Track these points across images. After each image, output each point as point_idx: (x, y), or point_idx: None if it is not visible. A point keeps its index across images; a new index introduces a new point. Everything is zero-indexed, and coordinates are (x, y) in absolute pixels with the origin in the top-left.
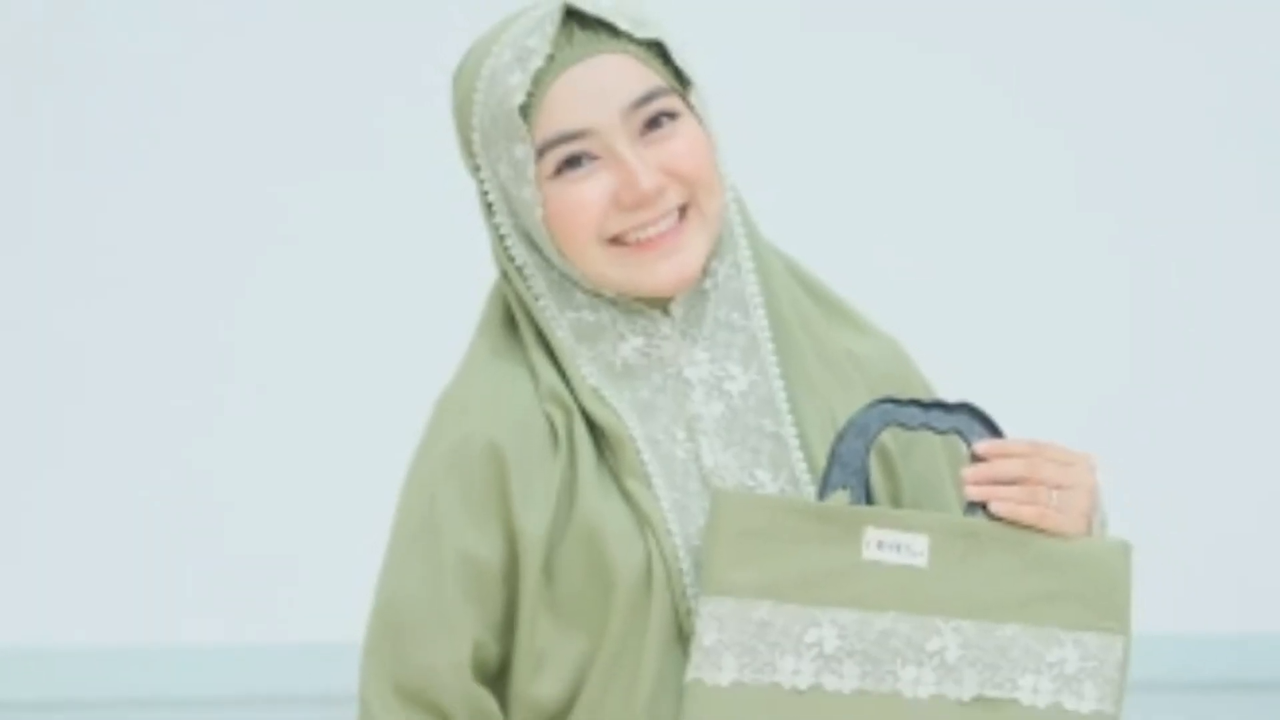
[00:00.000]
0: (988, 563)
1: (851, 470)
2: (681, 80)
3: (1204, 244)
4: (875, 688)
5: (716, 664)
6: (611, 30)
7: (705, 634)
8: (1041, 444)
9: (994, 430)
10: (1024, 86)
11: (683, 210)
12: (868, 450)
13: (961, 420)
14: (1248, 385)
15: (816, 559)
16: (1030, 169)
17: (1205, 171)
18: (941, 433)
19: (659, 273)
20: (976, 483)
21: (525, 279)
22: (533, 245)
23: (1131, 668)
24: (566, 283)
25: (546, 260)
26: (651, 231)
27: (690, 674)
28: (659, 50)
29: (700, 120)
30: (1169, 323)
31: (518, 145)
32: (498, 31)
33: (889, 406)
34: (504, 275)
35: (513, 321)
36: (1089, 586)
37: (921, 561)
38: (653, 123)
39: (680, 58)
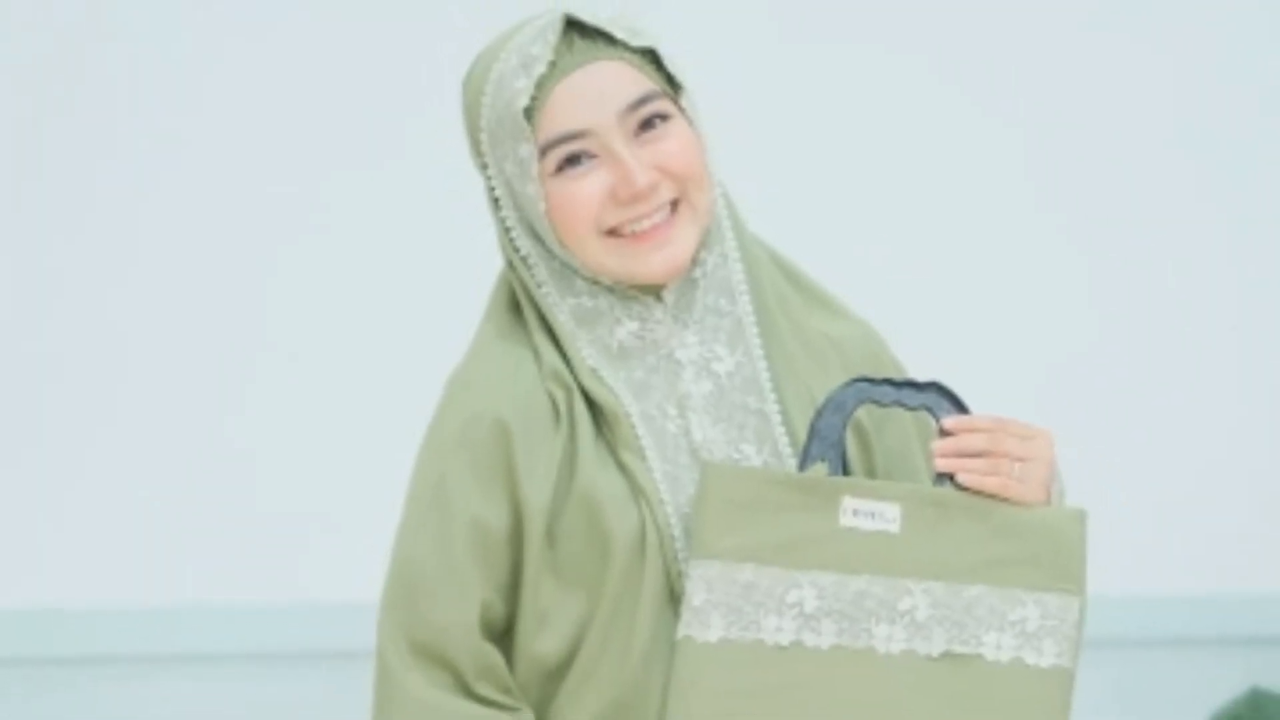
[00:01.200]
0: (955, 529)
1: (829, 444)
2: (673, 85)
3: (1151, 235)
4: (851, 644)
5: (705, 622)
6: (608, 39)
7: (695, 595)
8: (1004, 420)
9: (960, 407)
10: (988, 90)
11: (674, 205)
12: (844, 425)
13: (930, 398)
14: (1189, 365)
15: (797, 526)
16: (993, 166)
17: (1151, 170)
18: (912, 409)
19: (652, 262)
20: (944, 455)
21: (529, 268)
22: (536, 237)
23: (1087, 626)
24: (567, 271)
25: (548, 250)
26: (645, 224)
27: (681, 631)
28: (652, 57)
29: (690, 122)
30: (1119, 306)
31: (522, 145)
32: (504, 39)
33: (864, 385)
34: (509, 264)
35: (517, 307)
36: (1048, 551)
37: (894, 528)
38: (647, 124)
39: (672, 64)
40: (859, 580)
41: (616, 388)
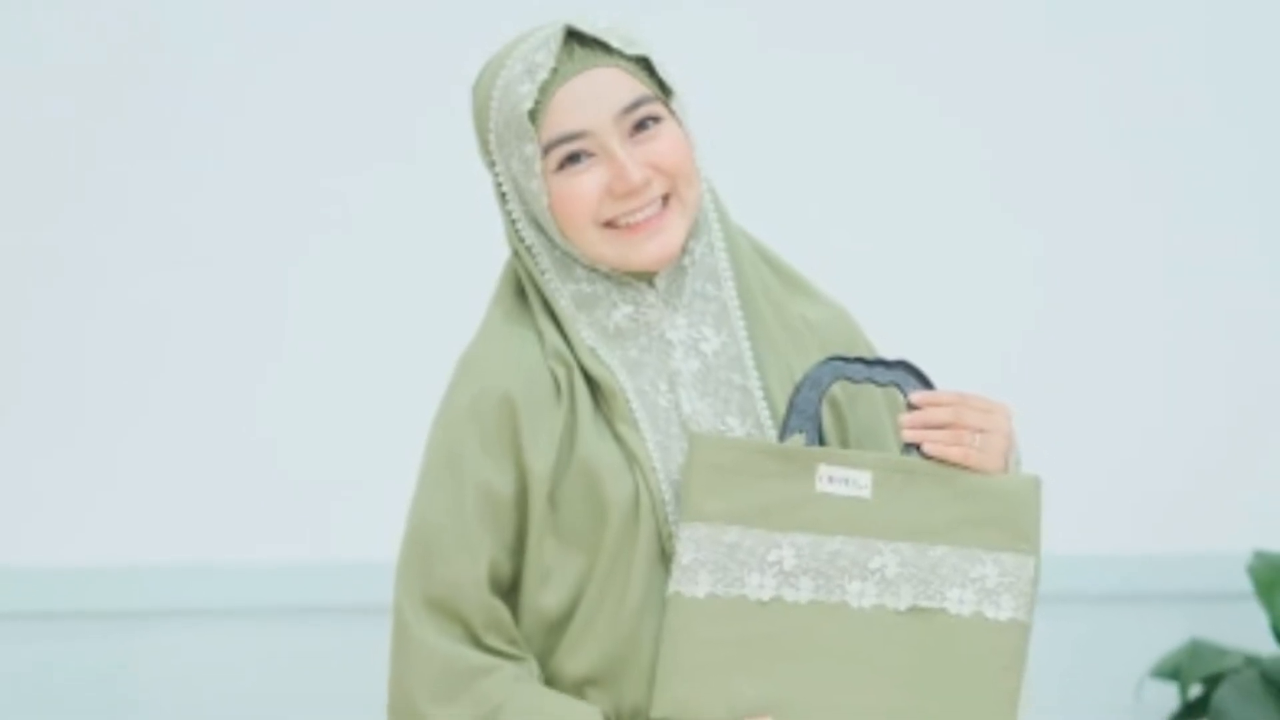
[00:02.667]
0: (921, 494)
1: (806, 417)
2: (665, 90)
3: (1096, 223)
4: (826, 599)
5: (693, 579)
6: (605, 48)
7: (684, 554)
8: (966, 395)
9: (926, 383)
10: (947, 92)
11: (665, 199)
12: (820, 400)
13: (898, 375)
14: (1130, 341)
15: (777, 491)
16: (951, 163)
17: (1091, 168)
18: (882, 385)
19: (646, 251)
20: (912, 427)
21: (533, 256)
22: (539, 228)
23: (1043, 582)
24: (568, 259)
25: (551, 241)
26: (639, 216)
27: (671, 587)
28: (646, 65)
29: (680, 123)
30: (1067, 290)
31: (527, 144)
32: (510, 49)
33: (839, 363)
34: (515, 253)
35: (522, 293)
36: (1005, 515)
37: (865, 493)
38: (640, 125)
39: (663, 71)
40: (833, 541)
41: (613, 365)
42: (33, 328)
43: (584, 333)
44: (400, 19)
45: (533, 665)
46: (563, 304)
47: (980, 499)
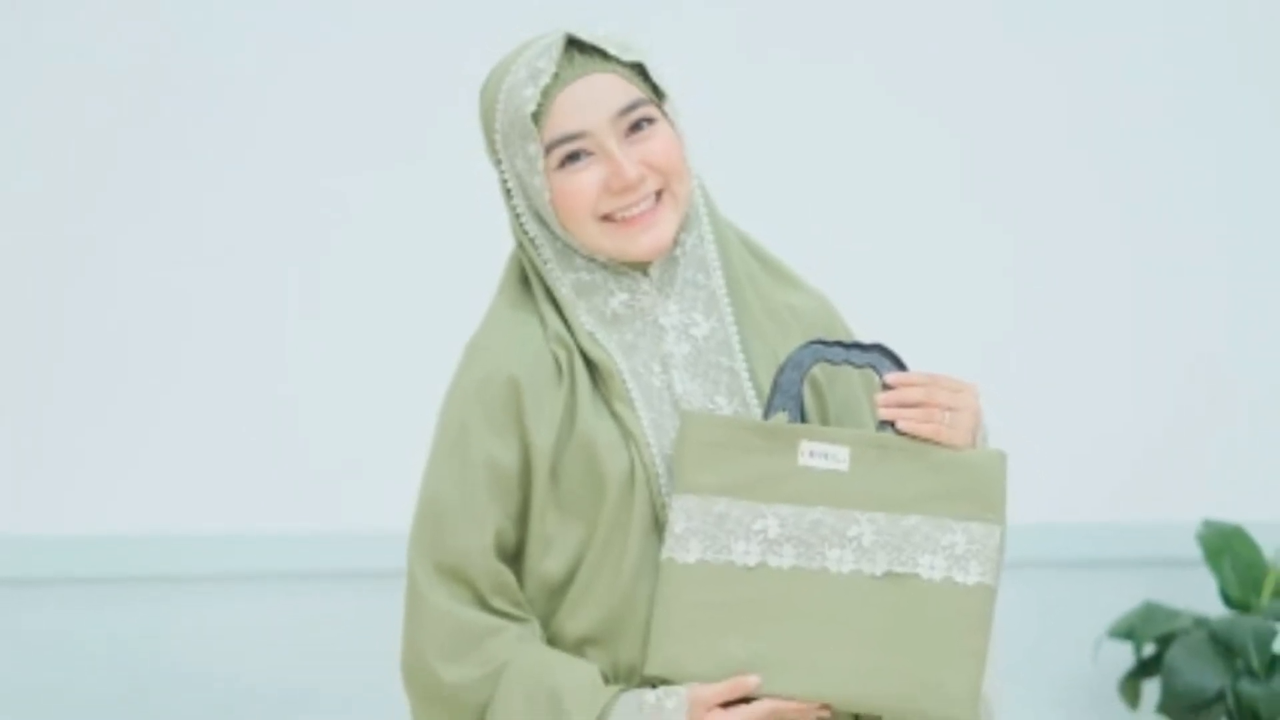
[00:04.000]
0: (895, 468)
1: (790, 396)
2: (658, 93)
3: (1067, 220)
4: (807, 565)
5: (685, 546)
6: (603, 54)
7: (676, 523)
8: (937, 375)
9: (900, 365)
10: (920, 93)
11: (658, 194)
12: (802, 380)
13: (874, 357)
14: (1093, 328)
15: (762, 465)
16: (922, 161)
17: (1056, 168)
18: (859, 366)
19: (640, 243)
20: (887, 405)
21: (536, 248)
22: (541, 221)
23: (1007, 550)
24: (568, 250)
25: (552, 233)
26: (634, 211)
27: (664, 554)
28: (641, 70)
29: (672, 124)
30: (1039, 281)
31: (530, 144)
32: (514, 55)
33: (819, 346)
34: (519, 245)
35: (526, 281)
36: (974, 487)
37: (844, 467)
38: (635, 126)
39: (657, 75)
40: (814, 511)
41: (610, 348)
42: (71, 313)
43: (583, 318)
44: (403, 20)
45: (536, 626)
46: (563, 291)
47: (950, 472)
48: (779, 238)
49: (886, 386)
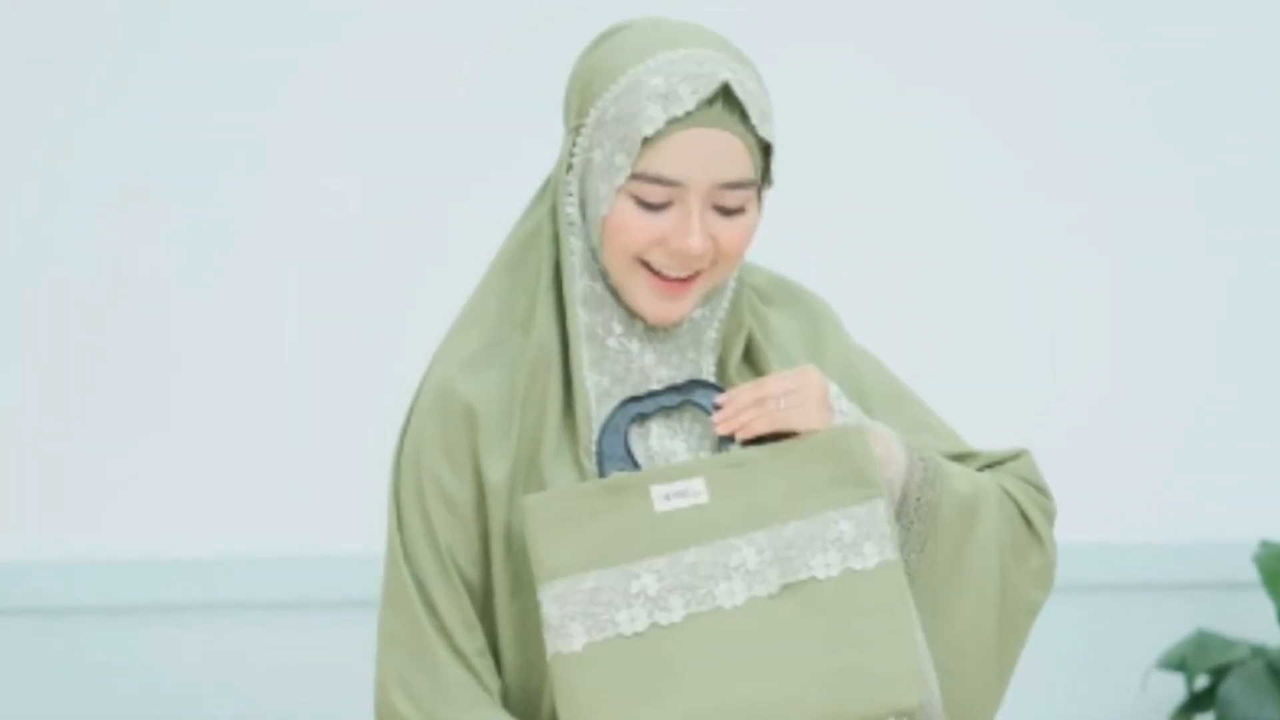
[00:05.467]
0: (756, 480)
1: (618, 458)
2: (765, 176)
3: (1143, 228)
4: (699, 609)
5: (567, 635)
6: (743, 115)
7: (550, 615)
8: (763, 379)
9: (720, 391)
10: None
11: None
12: (625, 441)
13: (691, 392)
14: (1140, 340)
15: (618, 524)
16: (995, 165)
17: (1144, 172)
18: (675, 407)
19: (651, 306)
20: (723, 421)
21: (570, 225)
22: (584, 214)
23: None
24: (592, 255)
25: (588, 230)
26: (671, 274)
27: (550, 652)
28: (765, 149)
29: (759, 212)
30: (1093, 284)
31: (622, 155)
32: (660, 44)
33: (631, 404)
34: (552, 211)
35: (523, 267)
36: (841, 469)
37: (703, 499)
38: (727, 207)
39: (774, 163)
40: (688, 554)
41: (589, 387)
42: (50, 331)
43: (582, 325)
44: (403, 20)
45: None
46: (575, 289)
47: (811, 463)
48: (783, 246)
49: (717, 408)
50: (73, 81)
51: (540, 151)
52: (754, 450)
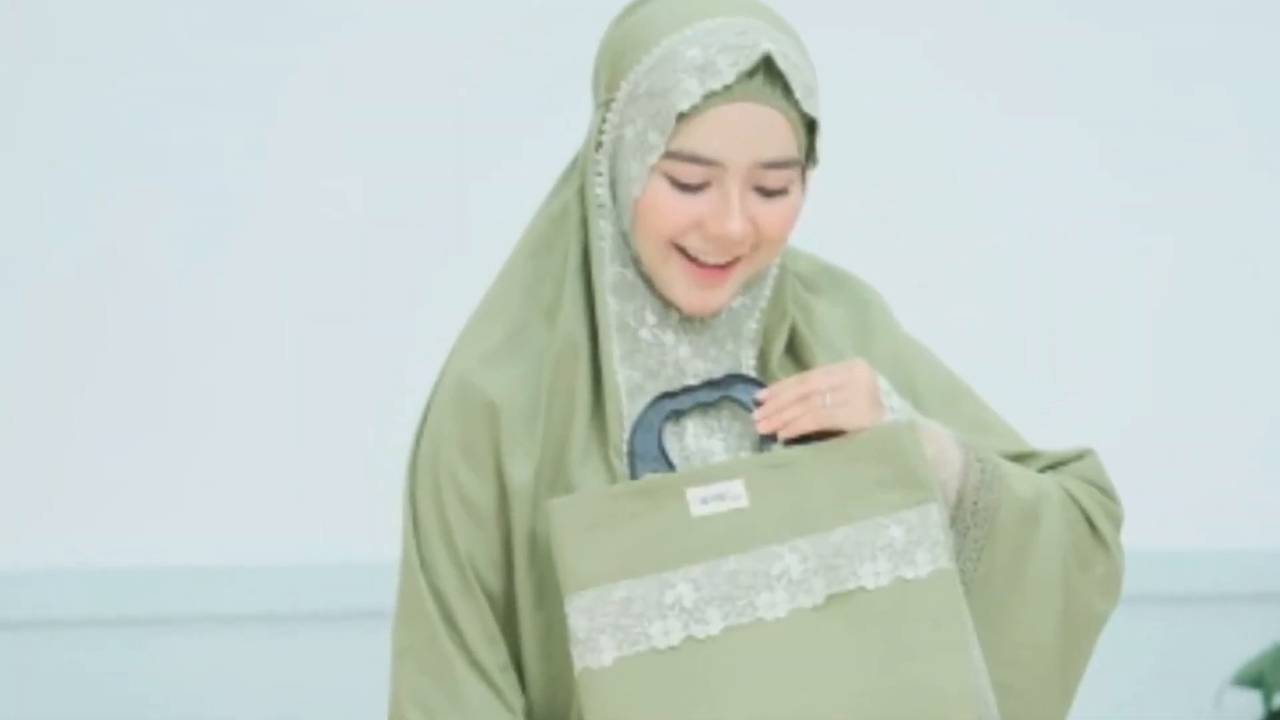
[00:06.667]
0: (800, 482)
1: (651, 458)
2: (810, 155)
3: (1233, 223)
4: (739, 621)
5: (596, 649)
6: (786, 89)
7: (578, 628)
8: (808, 373)
9: (761, 386)
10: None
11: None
12: (659, 440)
13: (730, 388)
14: (1233, 340)
15: (652, 529)
16: (1077, 159)
17: (1230, 168)
18: (713, 404)
19: (688, 296)
20: (765, 418)
21: (599, 208)
22: (614, 195)
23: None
24: (623, 239)
25: (619, 212)
26: (709, 260)
27: (577, 667)
28: (809, 125)
29: (802, 193)
30: (1197, 290)
31: (655, 132)
32: (697, 13)
33: (665, 400)
34: (580, 192)
35: (549, 252)
36: (892, 470)
37: (743, 503)
38: (769, 188)
39: (820, 141)
40: (728, 562)
41: (620, 381)
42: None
43: (612, 315)
44: (403, 20)
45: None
46: (605, 277)
47: (860, 463)
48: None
49: (758, 404)
50: (70, 78)
51: (541, 150)
52: (798, 450)
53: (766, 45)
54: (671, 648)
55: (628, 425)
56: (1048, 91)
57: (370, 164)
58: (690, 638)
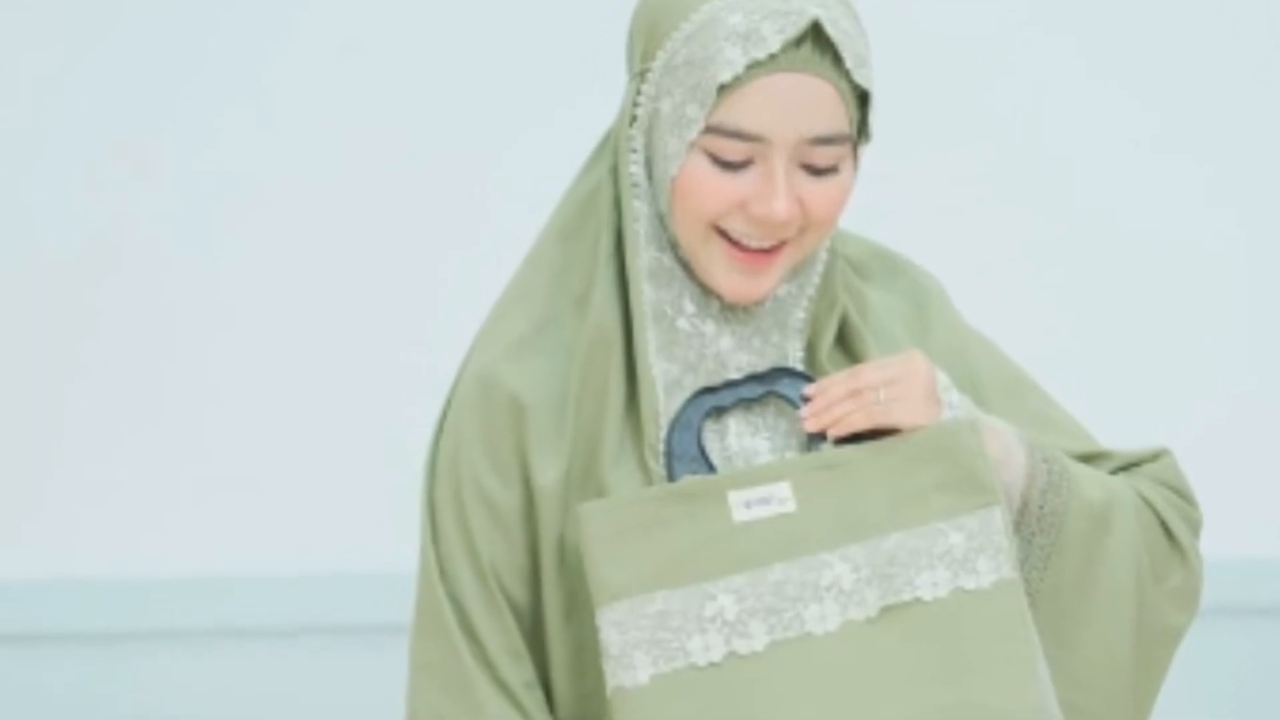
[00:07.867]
0: (851, 484)
1: (689, 459)
2: (862, 130)
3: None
4: (785, 635)
5: (630, 666)
6: (836, 58)
7: (610, 643)
8: (858, 367)
9: (808, 380)
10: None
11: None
12: (698, 440)
13: (775, 382)
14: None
15: (690, 536)
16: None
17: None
18: (757, 400)
19: (730, 282)
20: (814, 415)
21: (634, 187)
22: (650, 174)
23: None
24: (659, 221)
25: (655, 192)
26: (753, 243)
27: (610, 685)
28: (861, 97)
29: (854, 171)
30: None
31: (695, 105)
32: None
33: (706, 396)
34: (613, 170)
35: (577, 236)
36: (950, 472)
37: (790, 506)
38: (818, 165)
39: (873, 113)
40: (773, 571)
41: (655, 376)
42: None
43: (647, 304)
44: (403, 20)
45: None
46: (640, 262)
47: (916, 464)
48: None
49: (807, 400)
50: (60, 54)
51: (543, 146)
52: (849, 450)
53: (815, 11)
54: (712, 664)
55: (664, 423)
56: (1120, 61)
57: (379, 148)
58: (732, 653)
